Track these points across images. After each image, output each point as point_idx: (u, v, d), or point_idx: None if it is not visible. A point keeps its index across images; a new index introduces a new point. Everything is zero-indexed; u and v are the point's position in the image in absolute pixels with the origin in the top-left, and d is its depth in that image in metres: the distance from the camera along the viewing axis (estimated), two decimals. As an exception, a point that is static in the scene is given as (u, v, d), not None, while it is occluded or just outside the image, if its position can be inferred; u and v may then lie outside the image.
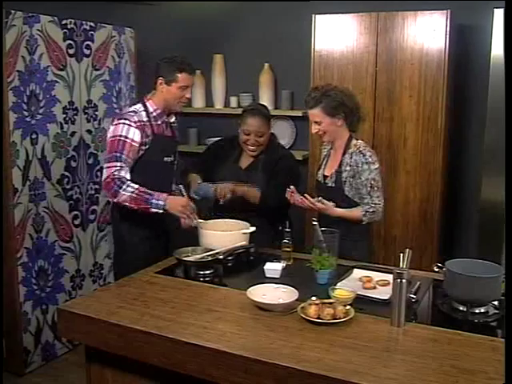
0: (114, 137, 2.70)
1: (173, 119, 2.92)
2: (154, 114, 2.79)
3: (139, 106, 2.79)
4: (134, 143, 2.69)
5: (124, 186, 2.64)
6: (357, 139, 2.78)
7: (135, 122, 2.70)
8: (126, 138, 2.68)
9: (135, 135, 2.69)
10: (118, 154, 2.67)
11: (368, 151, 2.69)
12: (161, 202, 2.64)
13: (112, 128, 2.73)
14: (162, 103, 2.79)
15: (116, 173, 2.64)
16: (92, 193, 3.73)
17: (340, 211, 2.69)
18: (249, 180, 3.04)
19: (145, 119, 2.75)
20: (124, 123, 2.69)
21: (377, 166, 2.68)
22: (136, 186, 2.65)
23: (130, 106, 2.90)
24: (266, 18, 4.20)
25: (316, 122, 2.71)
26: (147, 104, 2.79)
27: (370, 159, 2.67)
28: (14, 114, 3.18)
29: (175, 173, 3.00)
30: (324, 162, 2.88)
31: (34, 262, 3.38)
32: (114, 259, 3.06)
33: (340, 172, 2.72)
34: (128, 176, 2.68)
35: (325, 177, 2.81)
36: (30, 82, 3.26)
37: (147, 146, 2.75)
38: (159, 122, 2.81)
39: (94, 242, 3.79)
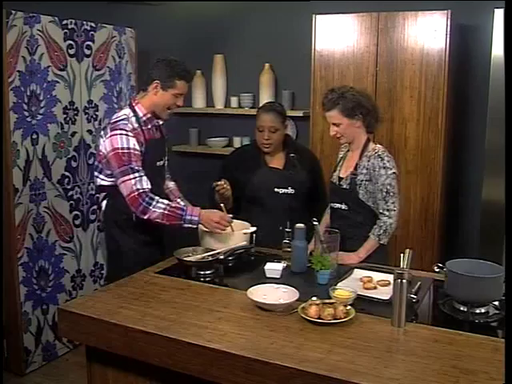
0: (115, 150, 2.54)
1: (161, 122, 2.76)
2: (144, 118, 2.65)
3: (128, 112, 2.63)
4: (136, 152, 2.56)
5: (154, 203, 2.53)
6: (375, 143, 2.76)
7: (131, 131, 2.57)
8: (129, 148, 2.55)
9: (135, 144, 2.56)
10: (130, 166, 2.53)
11: (386, 156, 2.65)
12: (195, 218, 2.57)
13: (108, 140, 2.57)
14: (151, 107, 2.66)
15: (138, 186, 2.52)
16: (92, 193, 3.73)
17: (363, 252, 2.62)
18: (291, 179, 3.03)
19: (136, 125, 2.61)
20: (121, 134, 2.55)
21: (394, 171, 2.63)
22: (166, 201, 2.58)
23: (119, 112, 2.72)
24: (267, 18, 4.20)
25: (334, 124, 2.66)
26: (136, 108, 2.64)
27: (387, 164, 2.62)
28: (15, 114, 3.19)
29: (165, 174, 2.90)
30: (340, 164, 2.84)
31: (34, 261, 3.39)
32: (108, 266, 2.94)
33: (355, 175, 2.68)
34: (149, 185, 2.56)
35: (340, 179, 2.77)
36: (31, 82, 3.26)
37: (142, 155, 2.62)
38: (149, 127, 2.68)
39: (95, 241, 3.80)
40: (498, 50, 3.19)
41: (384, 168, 2.62)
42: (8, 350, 3.41)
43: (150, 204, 2.52)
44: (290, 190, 3.03)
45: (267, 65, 4.15)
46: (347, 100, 2.63)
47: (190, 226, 2.58)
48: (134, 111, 2.65)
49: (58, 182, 3.49)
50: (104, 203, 2.79)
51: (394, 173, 2.63)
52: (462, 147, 3.82)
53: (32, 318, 3.41)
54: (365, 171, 2.66)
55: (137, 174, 2.54)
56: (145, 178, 2.56)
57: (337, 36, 3.64)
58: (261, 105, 3.29)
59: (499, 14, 3.16)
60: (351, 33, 3.60)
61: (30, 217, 3.33)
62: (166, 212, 2.54)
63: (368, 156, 2.68)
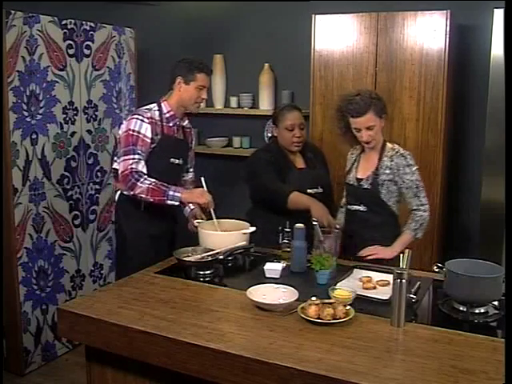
0: (127, 131, 2.77)
1: (185, 122, 2.98)
2: (167, 115, 2.85)
3: (154, 106, 2.86)
4: (145, 138, 2.77)
5: (142, 179, 2.71)
6: (389, 141, 2.76)
7: (148, 118, 2.78)
8: (139, 133, 2.75)
9: (147, 131, 2.77)
10: (134, 148, 2.74)
11: (408, 154, 2.68)
12: (177, 194, 2.73)
13: (125, 123, 2.81)
14: (176, 104, 2.86)
15: (134, 166, 2.72)
16: (92, 193, 3.73)
17: (398, 246, 2.60)
18: (318, 178, 3.05)
19: (157, 118, 2.82)
20: (137, 118, 2.77)
21: (416, 167, 2.67)
22: (153, 180, 2.73)
23: (143, 106, 2.94)
24: (266, 18, 4.20)
25: (368, 128, 2.62)
26: (162, 105, 2.86)
27: (410, 162, 2.66)
28: (14, 114, 3.18)
29: (180, 175, 3.02)
30: (355, 166, 2.82)
31: (34, 262, 3.38)
32: (117, 258, 3.06)
33: (378, 175, 2.68)
34: (145, 170, 2.75)
35: (358, 180, 2.76)
36: (30, 82, 3.26)
37: (154, 144, 2.80)
38: (171, 124, 2.87)
39: (94, 242, 3.80)
40: (497, 49, 3.19)
41: (408, 166, 2.65)
42: (7, 350, 3.41)
43: (138, 180, 2.71)
44: (320, 190, 3.02)
45: (267, 65, 4.15)
46: (378, 101, 2.64)
47: (172, 202, 2.73)
48: (160, 106, 2.86)
49: (57, 182, 3.48)
50: (117, 194, 2.93)
51: (417, 168, 2.67)
52: (461, 147, 3.82)
53: (31, 318, 3.41)
54: (388, 171, 2.67)
55: (137, 156, 2.74)
56: (143, 163, 2.75)
57: (336, 36, 3.63)
58: (278, 108, 3.26)
59: (499, 14, 3.16)
60: (351, 33, 3.59)
61: (30, 217, 3.33)
62: (151, 187, 2.70)
63: (389, 156, 2.68)
